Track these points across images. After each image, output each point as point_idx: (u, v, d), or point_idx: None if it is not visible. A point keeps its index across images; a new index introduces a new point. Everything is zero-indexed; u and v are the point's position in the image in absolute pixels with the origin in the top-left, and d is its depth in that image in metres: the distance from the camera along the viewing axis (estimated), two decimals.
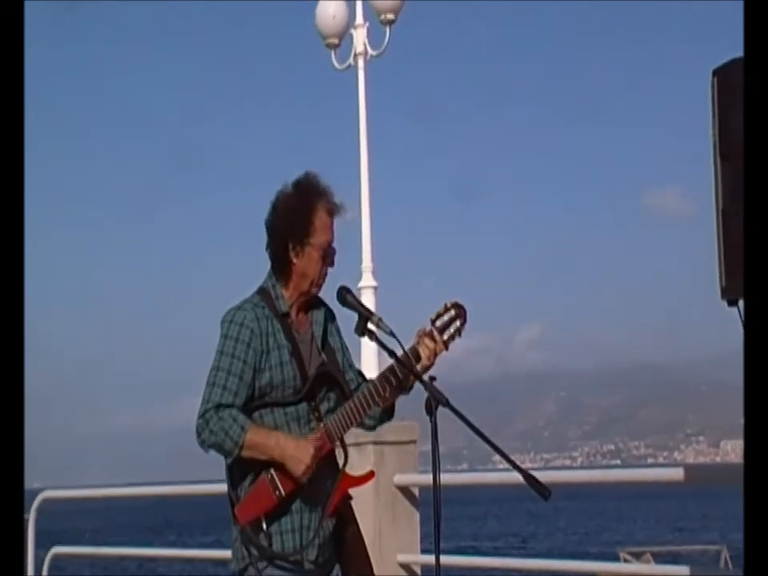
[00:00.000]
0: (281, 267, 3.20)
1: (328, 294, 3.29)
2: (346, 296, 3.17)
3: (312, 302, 3.27)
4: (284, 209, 3.17)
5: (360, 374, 3.36)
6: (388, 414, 3.30)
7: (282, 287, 3.21)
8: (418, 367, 3.11)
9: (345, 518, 3.23)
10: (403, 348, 3.09)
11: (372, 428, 3.36)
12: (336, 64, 7.51)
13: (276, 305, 3.18)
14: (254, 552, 3.08)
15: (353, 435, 3.58)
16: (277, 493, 3.07)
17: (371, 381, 3.18)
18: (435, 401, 2.98)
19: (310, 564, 3.12)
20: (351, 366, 3.35)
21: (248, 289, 3.27)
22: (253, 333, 3.11)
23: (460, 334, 3.15)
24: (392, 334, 3.07)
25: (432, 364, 3.13)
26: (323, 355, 3.23)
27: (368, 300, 6.69)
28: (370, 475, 3.29)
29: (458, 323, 3.14)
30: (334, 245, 3.22)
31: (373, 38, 7.41)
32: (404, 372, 3.10)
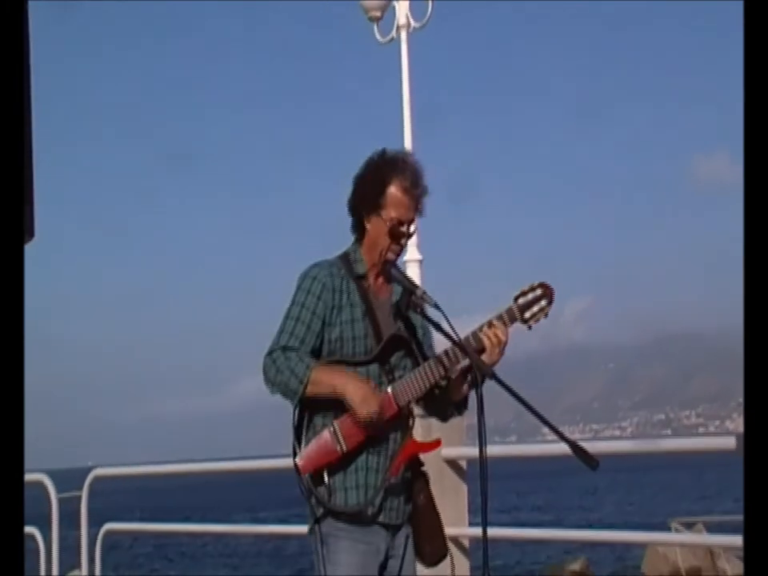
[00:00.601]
0: (358, 231, 3.22)
1: None
2: (391, 270, 3.16)
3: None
4: (364, 175, 3.18)
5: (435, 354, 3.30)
6: (459, 407, 3.26)
7: (362, 251, 3.22)
8: (483, 358, 3.04)
9: (416, 482, 3.22)
10: (448, 320, 3.05)
11: (444, 419, 3.33)
12: (379, 37, 7.44)
13: (353, 267, 3.20)
14: (316, 507, 3.08)
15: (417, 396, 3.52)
16: (339, 447, 3.06)
17: (439, 353, 3.14)
18: (481, 373, 2.96)
19: (370, 521, 3.11)
20: (430, 347, 3.29)
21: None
22: (324, 287, 3.13)
23: (546, 315, 3.08)
24: (437, 306, 3.04)
25: (498, 355, 3.05)
26: (400, 323, 3.21)
27: (413, 273, 6.67)
28: (437, 443, 3.28)
29: (543, 303, 3.08)
30: (410, 224, 3.16)
31: (415, 10, 7.33)
32: (456, 353, 3.05)
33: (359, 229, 3.22)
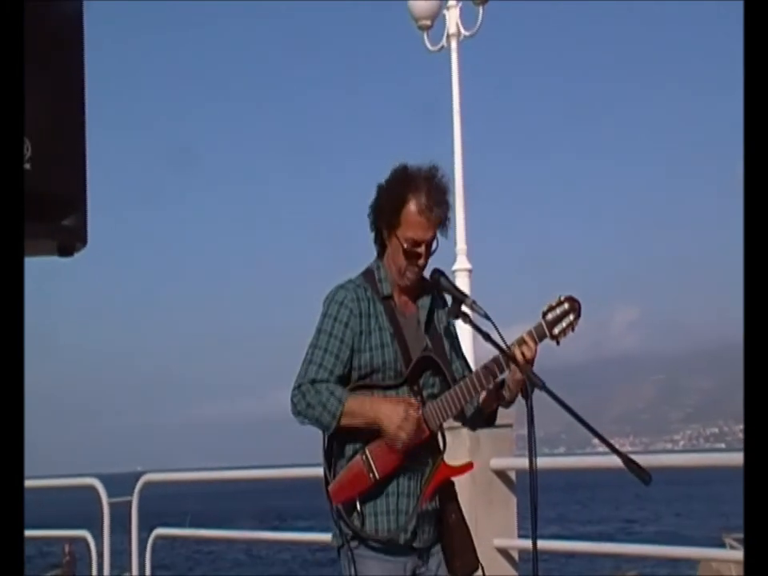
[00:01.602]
0: (379, 248, 3.20)
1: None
2: (440, 279, 3.14)
3: (422, 287, 3.22)
4: (385, 189, 3.14)
5: (467, 364, 3.31)
6: (488, 420, 3.24)
7: (384, 269, 3.18)
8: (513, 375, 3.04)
9: (448, 503, 3.19)
10: (498, 330, 3.03)
11: (473, 429, 3.32)
12: (429, 46, 7.45)
13: (379, 287, 3.16)
14: (347, 531, 3.07)
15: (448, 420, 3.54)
16: (371, 475, 3.05)
17: (474, 371, 3.12)
18: (531, 384, 2.94)
19: (403, 547, 3.10)
20: (459, 354, 3.29)
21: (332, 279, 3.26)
22: (352, 312, 3.09)
23: (573, 329, 3.04)
24: (486, 316, 3.01)
25: (528, 371, 3.00)
26: (427, 340, 3.19)
27: (462, 283, 6.65)
28: (469, 466, 3.24)
29: (571, 317, 3.04)
30: (428, 245, 3.10)
31: (465, 18, 7.32)
32: (507, 362, 3.02)
33: (380, 242, 3.19)
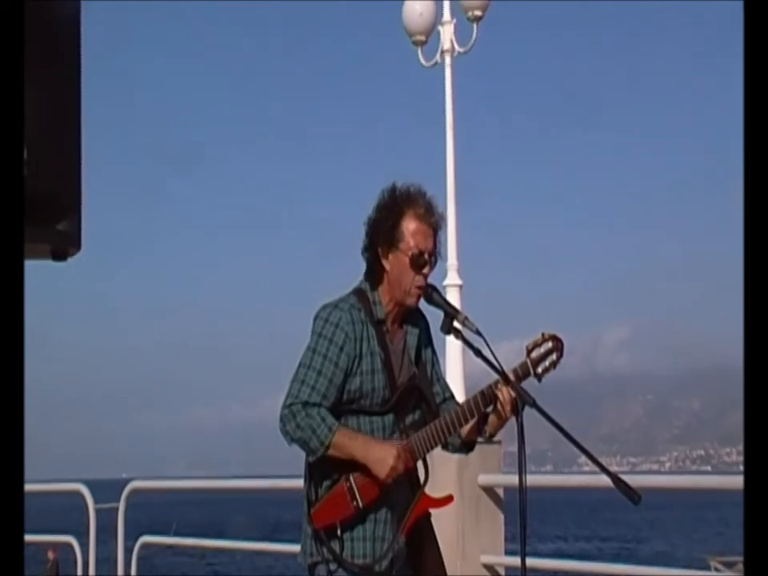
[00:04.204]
0: (375, 273, 3.17)
1: None
2: (432, 294, 3.15)
3: (408, 312, 3.23)
4: (376, 214, 3.16)
5: (447, 387, 3.34)
6: (467, 447, 3.28)
7: (378, 293, 3.18)
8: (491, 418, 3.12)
9: (424, 536, 3.20)
10: (489, 346, 3.05)
11: (449, 451, 3.34)
12: (423, 61, 7.50)
13: (373, 310, 3.15)
14: (327, 555, 3.07)
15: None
16: (354, 503, 3.06)
17: (460, 404, 3.16)
18: (522, 401, 2.95)
19: (380, 575, 3.09)
20: (439, 378, 3.33)
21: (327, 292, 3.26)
22: (347, 336, 3.08)
23: (555, 368, 3.10)
24: (478, 332, 3.03)
25: (509, 413, 3.05)
26: (414, 367, 3.21)
27: (453, 298, 6.66)
28: (449, 499, 3.25)
29: (554, 357, 3.10)
30: (430, 254, 3.14)
31: (460, 35, 7.37)
32: (492, 398, 3.07)
33: (377, 270, 3.16)
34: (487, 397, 3.08)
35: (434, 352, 3.34)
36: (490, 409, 3.11)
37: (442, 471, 5.05)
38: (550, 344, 3.10)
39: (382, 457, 3.02)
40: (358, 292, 3.20)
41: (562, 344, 3.11)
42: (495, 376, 3.06)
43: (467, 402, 3.13)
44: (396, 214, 3.12)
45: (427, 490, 3.17)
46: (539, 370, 3.08)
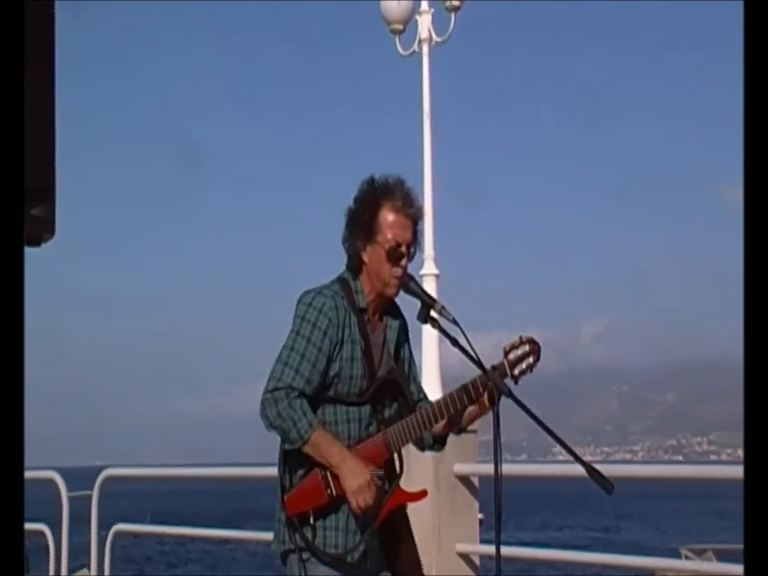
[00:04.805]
0: (355, 264, 3.18)
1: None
2: (409, 283, 3.15)
3: (388, 306, 3.24)
4: (355, 206, 3.16)
5: (421, 389, 3.36)
6: (440, 443, 3.29)
7: (360, 282, 3.18)
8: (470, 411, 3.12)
9: (400, 529, 3.20)
10: (466, 336, 3.04)
11: (422, 450, 3.35)
12: (401, 50, 7.49)
13: (356, 298, 3.15)
14: (300, 542, 3.07)
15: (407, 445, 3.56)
16: (328, 491, 3.06)
17: (438, 400, 3.16)
18: (498, 391, 2.96)
19: (353, 566, 3.10)
20: (414, 378, 3.34)
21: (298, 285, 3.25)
22: (330, 321, 3.08)
23: (531, 371, 3.11)
24: (455, 321, 3.03)
25: (486, 409, 3.09)
26: (393, 362, 3.21)
27: (430, 288, 6.67)
28: (423, 494, 3.25)
29: (530, 360, 3.11)
30: (408, 246, 3.13)
31: (438, 24, 7.37)
32: (470, 397, 3.07)
33: (356, 261, 3.17)
34: (465, 393, 3.08)
35: (410, 352, 3.34)
36: (467, 403, 3.11)
37: (419, 461, 5.05)
38: (527, 347, 3.10)
39: (356, 474, 3.01)
40: (341, 280, 3.20)
41: (539, 348, 3.12)
42: (471, 365, 3.07)
43: (445, 398, 3.13)
44: (374, 206, 3.12)
45: (403, 477, 3.17)
46: (516, 372, 3.09)
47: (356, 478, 3.01)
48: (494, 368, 3.07)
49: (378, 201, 3.12)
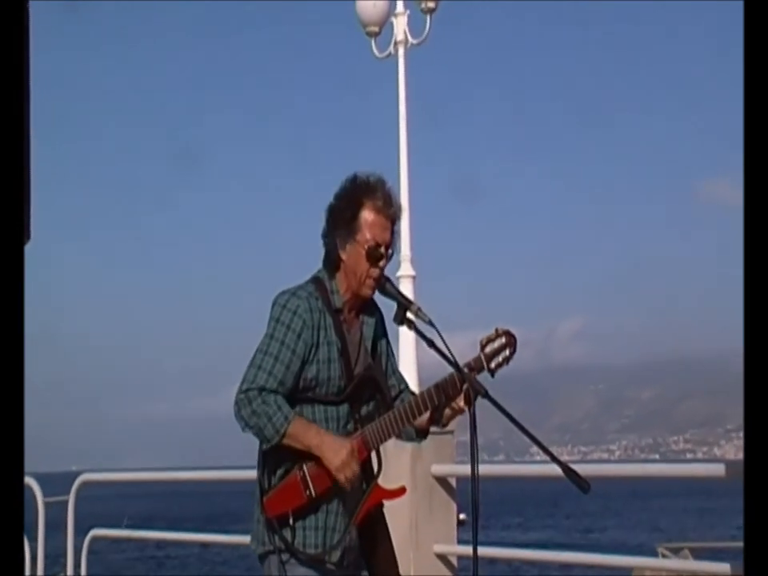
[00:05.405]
0: (332, 262, 3.17)
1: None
2: (386, 284, 3.15)
3: (365, 303, 3.24)
4: (336, 202, 3.16)
5: (402, 379, 3.36)
6: (421, 436, 3.29)
7: (335, 282, 3.18)
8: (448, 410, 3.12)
9: (377, 527, 3.20)
10: (442, 337, 3.05)
11: (404, 440, 3.35)
12: (376, 52, 7.49)
13: (331, 299, 3.15)
14: (279, 543, 3.07)
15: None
16: (307, 492, 3.06)
17: (415, 396, 3.16)
18: (474, 391, 2.96)
19: (332, 565, 3.10)
20: (395, 371, 3.34)
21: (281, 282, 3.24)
22: (305, 324, 3.07)
23: (508, 363, 3.11)
24: (431, 323, 3.03)
25: (471, 378, 3.04)
26: (370, 358, 3.21)
27: (406, 289, 6.67)
28: (402, 491, 3.25)
29: (507, 352, 3.11)
30: (387, 246, 3.13)
31: (413, 26, 7.37)
32: (447, 393, 3.07)
33: (334, 259, 3.16)
34: (442, 389, 3.09)
35: (388, 344, 3.34)
36: (444, 401, 3.12)
37: (396, 461, 5.06)
38: (503, 339, 3.10)
39: (336, 449, 3.02)
40: (316, 280, 3.19)
41: (516, 340, 3.12)
42: (449, 367, 3.07)
43: (422, 394, 3.13)
44: (355, 204, 3.12)
45: (381, 479, 3.17)
46: (492, 365, 3.09)
47: (337, 454, 3.01)
48: (470, 369, 3.08)
49: (359, 199, 3.12)
